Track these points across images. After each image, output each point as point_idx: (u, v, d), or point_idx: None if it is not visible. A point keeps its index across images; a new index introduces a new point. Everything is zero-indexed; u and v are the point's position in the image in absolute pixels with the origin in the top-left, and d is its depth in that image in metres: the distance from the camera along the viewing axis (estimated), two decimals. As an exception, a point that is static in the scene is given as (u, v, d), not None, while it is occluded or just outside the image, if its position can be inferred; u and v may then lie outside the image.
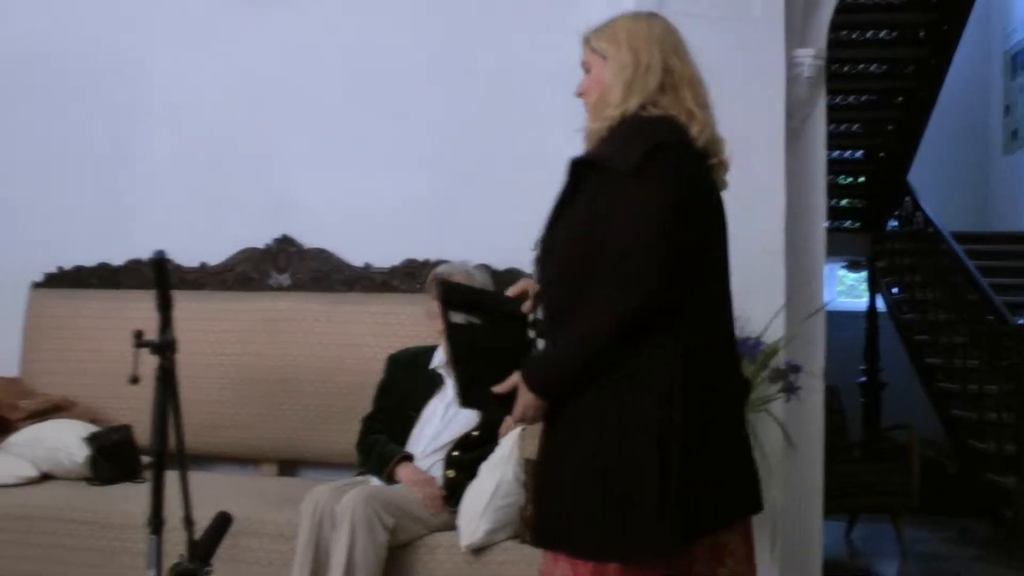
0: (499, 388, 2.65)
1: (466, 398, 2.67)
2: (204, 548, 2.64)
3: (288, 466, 4.94)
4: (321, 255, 5.03)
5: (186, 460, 2.46)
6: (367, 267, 4.98)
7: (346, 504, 3.73)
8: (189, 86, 5.24)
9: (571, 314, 2.55)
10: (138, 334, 2.43)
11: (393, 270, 4.96)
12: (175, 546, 2.49)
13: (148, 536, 2.39)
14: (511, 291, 2.86)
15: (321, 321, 4.85)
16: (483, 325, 2.78)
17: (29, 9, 5.49)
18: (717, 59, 4.36)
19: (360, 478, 4.16)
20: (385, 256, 4.98)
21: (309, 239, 5.06)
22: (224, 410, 4.69)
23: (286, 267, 5.05)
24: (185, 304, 4.85)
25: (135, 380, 2.44)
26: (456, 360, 2.68)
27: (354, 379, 4.67)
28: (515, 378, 2.62)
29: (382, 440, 4.17)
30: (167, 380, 2.39)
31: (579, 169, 2.69)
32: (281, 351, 4.85)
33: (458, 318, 2.73)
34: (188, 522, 2.55)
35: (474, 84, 4.98)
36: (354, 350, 4.76)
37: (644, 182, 2.51)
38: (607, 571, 2.50)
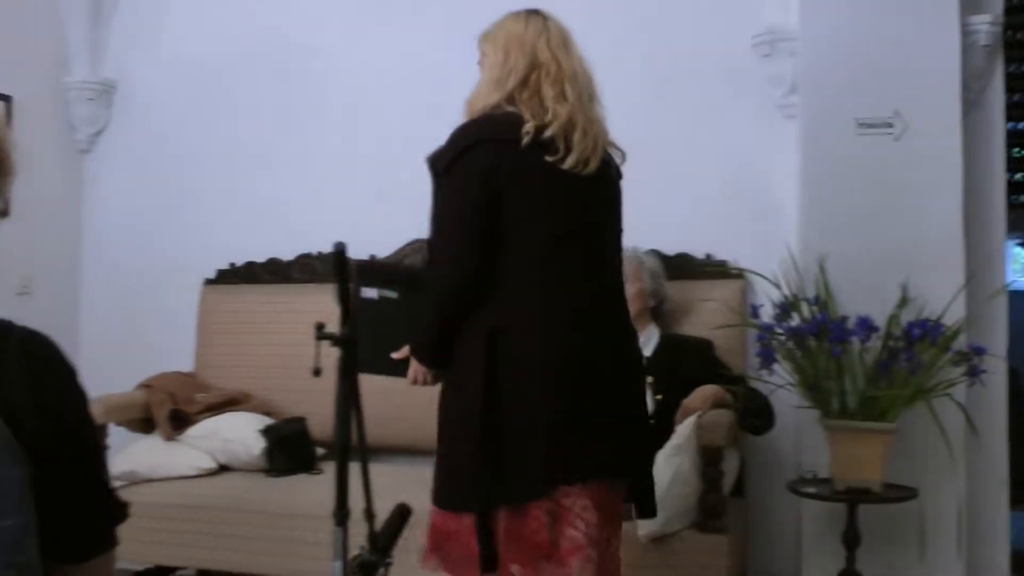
0: (396, 355, 3.14)
1: (364, 364, 2.72)
2: (384, 540, 2.63)
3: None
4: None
5: (367, 452, 2.46)
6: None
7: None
8: (361, 80, 5.31)
9: None
10: (319, 326, 2.43)
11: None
12: (355, 538, 2.50)
13: (333, 528, 2.39)
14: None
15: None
16: (397, 299, 3.19)
17: (211, 13, 5.67)
18: (887, 30, 4.27)
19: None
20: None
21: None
22: (396, 401, 4.68)
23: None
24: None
25: (317, 372, 2.45)
26: (362, 332, 2.72)
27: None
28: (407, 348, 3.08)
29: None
30: (349, 372, 2.38)
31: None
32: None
33: (370, 293, 3.15)
34: (369, 514, 2.55)
35: (644, 68, 4.92)
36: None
37: (450, 182, 2.95)
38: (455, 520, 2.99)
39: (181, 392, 4.98)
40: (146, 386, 4.91)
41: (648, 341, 4.27)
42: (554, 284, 2.95)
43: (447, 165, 2.95)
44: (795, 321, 4.11)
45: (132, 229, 5.68)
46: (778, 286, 4.17)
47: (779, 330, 4.12)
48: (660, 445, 3.88)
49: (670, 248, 4.74)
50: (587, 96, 3.05)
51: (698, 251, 4.79)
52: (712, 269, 4.72)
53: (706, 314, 4.59)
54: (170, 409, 4.80)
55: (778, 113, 4.78)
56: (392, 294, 3.20)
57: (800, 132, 4.53)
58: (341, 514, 2.42)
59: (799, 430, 4.34)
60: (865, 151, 4.35)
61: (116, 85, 5.94)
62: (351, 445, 2.40)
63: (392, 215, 5.10)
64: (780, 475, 4.47)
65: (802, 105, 4.55)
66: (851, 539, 4.03)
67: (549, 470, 2.87)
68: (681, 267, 4.73)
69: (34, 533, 1.59)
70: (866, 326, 4.01)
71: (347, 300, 2.42)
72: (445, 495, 3.02)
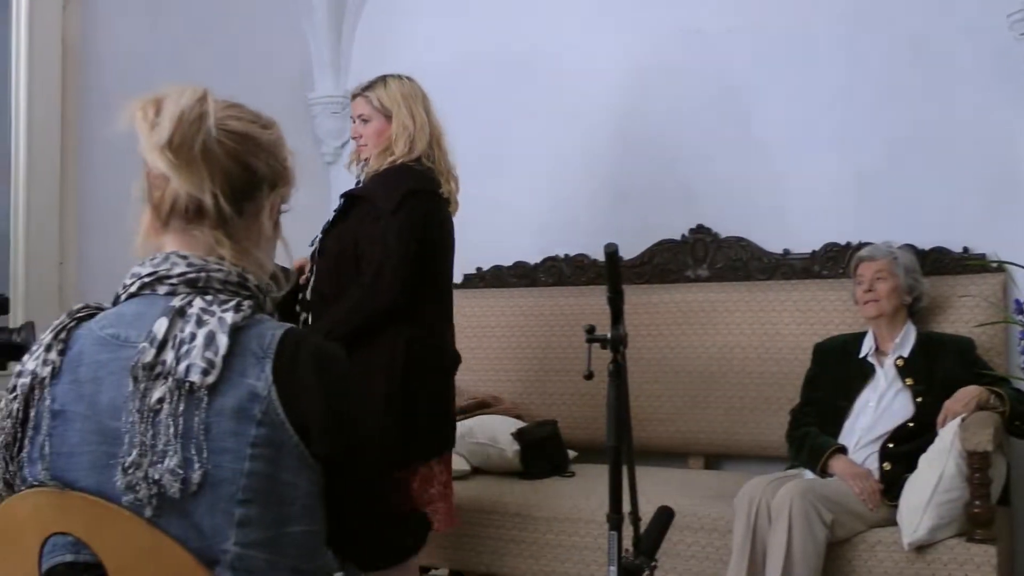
0: None
1: None
2: (649, 543, 2.59)
3: (714, 459, 4.87)
4: (738, 243, 4.91)
5: (633, 455, 2.43)
6: (786, 253, 4.82)
7: (782, 498, 3.62)
8: (593, 82, 5.26)
9: (334, 301, 3.67)
10: (590, 329, 2.39)
11: (813, 255, 4.76)
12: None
13: (608, 532, 2.36)
14: (295, 263, 3.67)
15: (741, 311, 4.74)
16: None
17: (448, 24, 5.74)
18: None
19: (792, 471, 4.04)
20: (804, 241, 4.79)
21: (725, 227, 4.95)
22: (648, 404, 4.66)
23: (703, 257, 4.97)
24: (601, 300, 4.93)
25: (589, 376, 2.42)
26: None
27: (778, 369, 4.56)
28: None
29: (813, 432, 4.01)
30: (620, 375, 2.34)
31: (352, 200, 3.77)
32: (702, 343, 4.78)
33: None
34: (635, 517, 2.51)
35: (892, 53, 4.71)
36: (777, 340, 4.63)
37: (399, 219, 3.62)
38: None
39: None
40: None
41: (905, 340, 4.10)
42: (444, 304, 3.94)
43: (396, 206, 3.64)
44: (1061, 317, 3.86)
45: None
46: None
47: (1045, 326, 3.88)
48: (922, 449, 3.76)
49: (925, 242, 4.52)
50: None
51: (955, 245, 4.56)
52: (970, 263, 4.48)
53: (964, 311, 4.38)
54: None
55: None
56: None
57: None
58: (616, 518, 2.39)
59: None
60: None
61: (358, 98, 6.06)
62: (623, 448, 2.36)
63: (636, 215, 5.06)
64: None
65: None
66: None
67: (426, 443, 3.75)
68: (937, 262, 4.52)
69: (322, 541, 1.61)
70: None
71: (618, 302, 2.38)
72: None
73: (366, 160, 3.90)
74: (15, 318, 3.98)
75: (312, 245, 3.88)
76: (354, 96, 3.96)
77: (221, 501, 1.51)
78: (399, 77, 3.94)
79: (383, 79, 3.92)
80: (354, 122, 3.91)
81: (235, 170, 1.66)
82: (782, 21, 4.88)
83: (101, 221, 4.70)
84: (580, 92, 5.30)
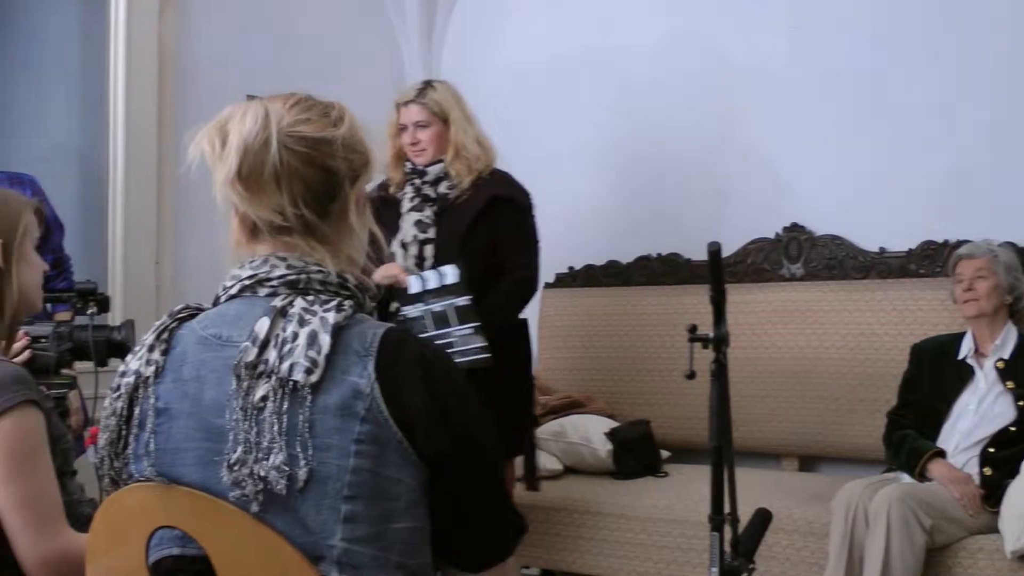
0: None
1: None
2: (747, 545, 2.56)
3: (808, 461, 4.81)
4: (833, 242, 4.84)
5: (733, 456, 2.40)
6: (882, 252, 4.74)
7: (880, 502, 3.56)
8: (687, 77, 5.23)
9: (490, 290, 3.90)
10: (692, 328, 2.38)
11: (910, 253, 4.68)
12: (705, 541, 2.46)
13: (710, 533, 2.34)
14: (384, 271, 3.74)
15: (836, 310, 4.68)
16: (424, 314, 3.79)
17: (539, 22, 5.75)
18: None
19: (890, 475, 3.97)
20: (901, 239, 4.71)
21: (820, 226, 4.89)
22: (741, 404, 4.58)
23: (798, 256, 4.91)
24: (697, 298, 4.89)
25: (691, 375, 2.40)
26: None
27: (874, 371, 4.49)
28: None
29: (911, 435, 3.94)
30: (722, 375, 2.32)
31: (494, 201, 3.96)
32: (796, 343, 4.73)
33: (414, 312, 3.76)
34: (734, 518, 2.48)
35: (986, 42, 4.61)
36: (873, 340, 4.56)
37: (532, 218, 4.08)
38: None
39: (525, 395, 5.01)
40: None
41: (1005, 341, 4.00)
42: None
43: (529, 205, 4.08)
44: None
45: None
46: None
47: None
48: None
49: (1026, 239, 4.42)
50: None
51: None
52: (1078, 260, 4.37)
53: (1070, 311, 4.26)
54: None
55: None
56: (425, 309, 3.76)
57: None
58: (718, 519, 2.36)
59: None
60: None
61: (450, 98, 6.11)
62: (726, 448, 2.34)
63: (731, 213, 5.02)
64: None
65: None
66: None
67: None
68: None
69: (426, 539, 1.61)
70: None
71: (721, 301, 2.36)
72: None
73: (412, 164, 4.04)
74: (114, 316, 4.06)
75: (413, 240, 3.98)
76: (405, 103, 4.04)
77: (327, 497, 1.52)
78: (441, 81, 4.18)
79: (430, 84, 4.10)
80: (406, 129, 4.01)
81: (313, 175, 1.65)
82: (883, 14, 4.79)
83: (195, 223, 4.78)
84: (676, 90, 5.26)
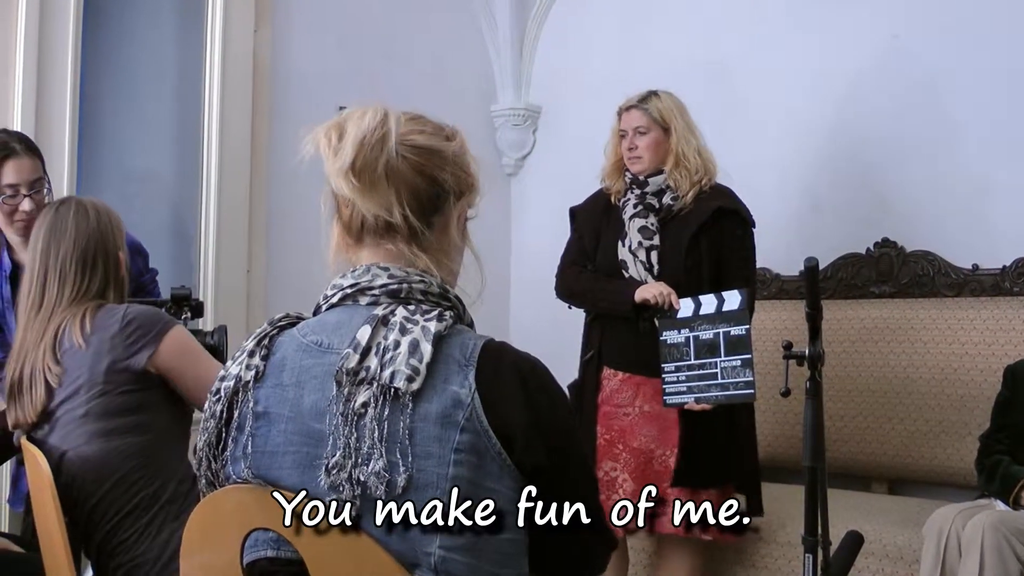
0: None
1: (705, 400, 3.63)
2: (838, 568, 2.52)
3: (898, 484, 4.69)
4: (925, 258, 4.73)
5: (826, 477, 2.37)
6: (975, 269, 4.63)
7: (974, 529, 3.44)
8: (780, 90, 5.18)
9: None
10: (787, 345, 2.35)
11: (1004, 271, 4.56)
12: (793, 562, 2.43)
13: (803, 554, 2.31)
14: (660, 289, 3.72)
15: (928, 329, 4.58)
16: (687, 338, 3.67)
17: (628, 38, 5.77)
18: None
19: (983, 500, 3.87)
20: (994, 256, 4.60)
21: (911, 241, 4.79)
22: (828, 424, 4.53)
23: (888, 272, 4.82)
24: (786, 314, 4.85)
25: (786, 393, 2.37)
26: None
27: (967, 392, 4.39)
28: None
29: (1005, 461, 3.80)
30: (817, 393, 2.29)
31: (720, 212, 3.84)
32: (886, 362, 4.63)
33: (677, 337, 3.68)
34: (825, 541, 2.44)
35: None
36: (965, 360, 4.45)
37: (753, 233, 3.94)
38: None
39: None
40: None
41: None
42: None
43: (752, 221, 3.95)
44: None
45: (553, 246, 5.80)
46: None
47: None
48: None
49: None
50: None
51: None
52: None
53: None
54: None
55: None
56: (691, 335, 3.64)
57: None
58: (811, 540, 2.33)
59: None
60: None
61: (540, 111, 6.18)
62: (820, 468, 2.30)
63: (821, 228, 4.96)
64: None
65: None
66: None
67: None
68: None
69: (521, 550, 1.62)
70: None
71: (817, 318, 2.33)
72: None
73: (631, 172, 3.96)
74: (206, 322, 4.12)
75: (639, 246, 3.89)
76: (627, 108, 3.99)
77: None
78: (666, 91, 4.00)
79: (655, 93, 3.98)
80: (626, 135, 3.95)
81: (422, 184, 1.68)
82: (982, 24, 4.68)
83: (285, 232, 4.86)
84: (767, 102, 5.22)
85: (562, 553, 1.67)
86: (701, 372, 3.55)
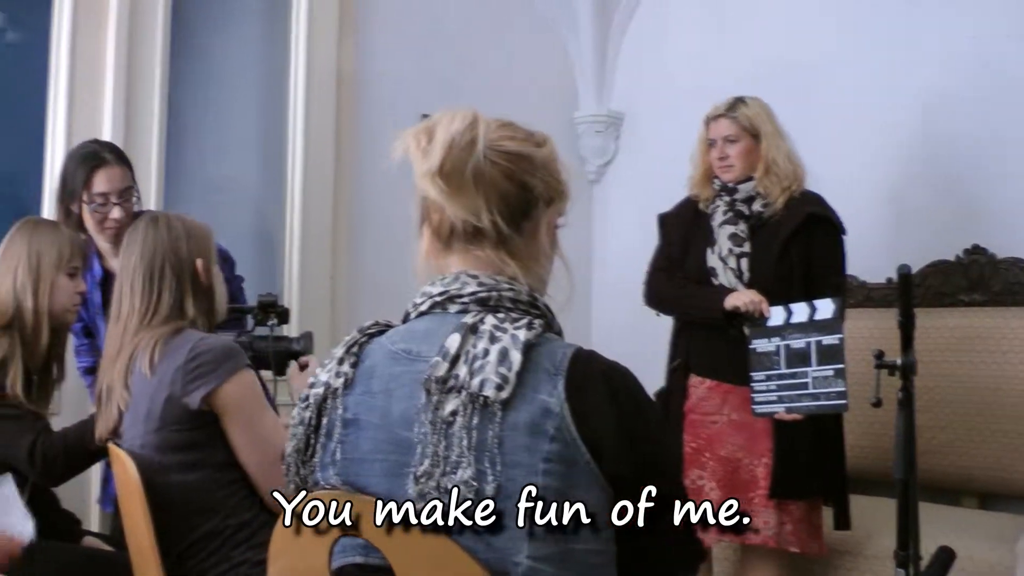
0: None
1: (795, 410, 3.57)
2: (928, 584, 2.47)
3: (991, 499, 4.56)
4: (1016, 265, 4.61)
5: (917, 491, 2.32)
6: (1068, 276, 4.50)
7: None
8: (866, 94, 5.11)
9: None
10: (879, 355, 2.32)
11: (1097, 278, 4.43)
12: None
13: (895, 569, 2.27)
14: (751, 296, 3.65)
15: (1019, 338, 4.44)
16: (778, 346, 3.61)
17: (710, 43, 5.74)
18: None
19: (1084, 520, 3.78)
20: (1088, 264, 4.46)
21: (1002, 248, 4.66)
22: (917, 435, 4.45)
23: (978, 280, 4.70)
24: (872, 322, 4.76)
25: (878, 403, 2.33)
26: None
27: (1060, 404, 4.26)
28: None
29: (1100, 475, 3.74)
30: (909, 404, 2.25)
31: (812, 218, 3.76)
32: (977, 371, 4.51)
33: (767, 346, 3.61)
34: (916, 556, 2.40)
35: None
36: (1058, 371, 4.32)
37: (843, 241, 3.82)
38: None
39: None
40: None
41: None
42: None
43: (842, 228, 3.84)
44: None
45: (635, 253, 5.79)
46: None
47: None
48: None
49: None
50: None
51: None
52: None
53: None
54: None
55: None
56: (782, 344, 3.57)
57: None
58: (903, 556, 2.29)
59: None
60: None
61: (622, 117, 6.16)
62: (912, 482, 2.26)
63: (909, 235, 4.90)
64: None
65: None
66: None
67: None
68: None
69: (610, 560, 1.61)
70: None
71: (909, 326, 2.29)
72: None
73: (721, 181, 3.90)
74: (291, 329, 4.16)
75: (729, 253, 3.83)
76: (715, 118, 3.93)
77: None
78: (753, 97, 3.96)
79: (742, 99, 3.93)
80: (714, 145, 3.89)
81: (511, 190, 1.68)
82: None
83: (368, 239, 4.88)
84: (853, 105, 5.14)
85: (651, 563, 1.65)
86: (792, 381, 3.48)
